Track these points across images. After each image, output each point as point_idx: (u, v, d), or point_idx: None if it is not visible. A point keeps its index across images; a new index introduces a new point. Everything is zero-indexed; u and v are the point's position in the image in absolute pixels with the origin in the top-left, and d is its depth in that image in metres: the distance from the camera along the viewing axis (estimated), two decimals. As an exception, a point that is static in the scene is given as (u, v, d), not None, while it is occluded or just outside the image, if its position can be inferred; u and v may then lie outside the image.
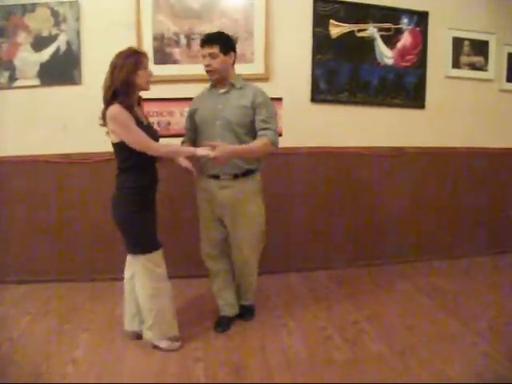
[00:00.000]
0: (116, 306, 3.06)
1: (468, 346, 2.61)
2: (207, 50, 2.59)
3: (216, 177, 2.67)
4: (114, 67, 2.33)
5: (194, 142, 2.79)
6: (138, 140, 2.33)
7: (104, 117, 2.35)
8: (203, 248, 2.87)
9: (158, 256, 2.50)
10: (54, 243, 3.53)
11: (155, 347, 2.57)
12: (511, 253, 4.22)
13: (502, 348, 2.56)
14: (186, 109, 2.99)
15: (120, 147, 2.38)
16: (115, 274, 3.05)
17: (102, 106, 2.36)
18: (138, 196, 2.43)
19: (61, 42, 3.38)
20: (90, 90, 3.30)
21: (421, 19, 3.81)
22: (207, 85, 2.82)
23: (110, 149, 2.44)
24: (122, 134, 2.33)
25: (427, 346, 2.61)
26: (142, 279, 2.50)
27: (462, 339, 2.69)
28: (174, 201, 3.44)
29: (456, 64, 3.97)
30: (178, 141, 2.90)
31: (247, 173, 2.69)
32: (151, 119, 3.24)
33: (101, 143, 2.72)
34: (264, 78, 3.53)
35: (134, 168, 2.42)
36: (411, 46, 3.83)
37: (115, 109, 2.29)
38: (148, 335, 2.59)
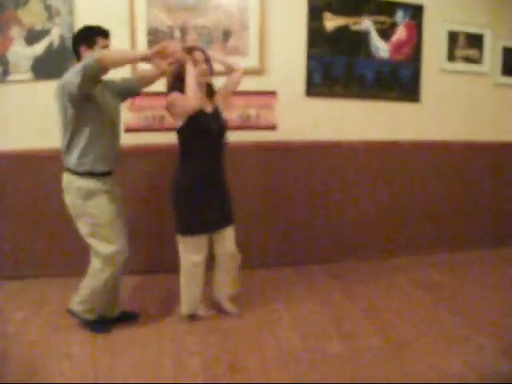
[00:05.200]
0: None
1: (464, 340, 2.62)
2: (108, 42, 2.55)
3: (111, 172, 2.64)
4: None
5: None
6: None
7: None
8: (124, 251, 2.63)
9: None
10: (49, 238, 3.51)
11: None
12: (508, 246, 4.24)
13: (497, 341, 2.58)
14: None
15: None
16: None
17: None
18: None
19: (54, 36, 3.36)
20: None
21: (416, 12, 3.81)
22: None
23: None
24: None
25: (423, 339, 2.63)
26: None
27: (457, 332, 2.71)
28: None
29: (451, 57, 3.97)
30: (173, 136, 2.84)
31: None
32: (147, 113, 3.23)
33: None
34: (259, 72, 3.53)
35: None
36: (406, 39, 3.82)
37: None
38: None
